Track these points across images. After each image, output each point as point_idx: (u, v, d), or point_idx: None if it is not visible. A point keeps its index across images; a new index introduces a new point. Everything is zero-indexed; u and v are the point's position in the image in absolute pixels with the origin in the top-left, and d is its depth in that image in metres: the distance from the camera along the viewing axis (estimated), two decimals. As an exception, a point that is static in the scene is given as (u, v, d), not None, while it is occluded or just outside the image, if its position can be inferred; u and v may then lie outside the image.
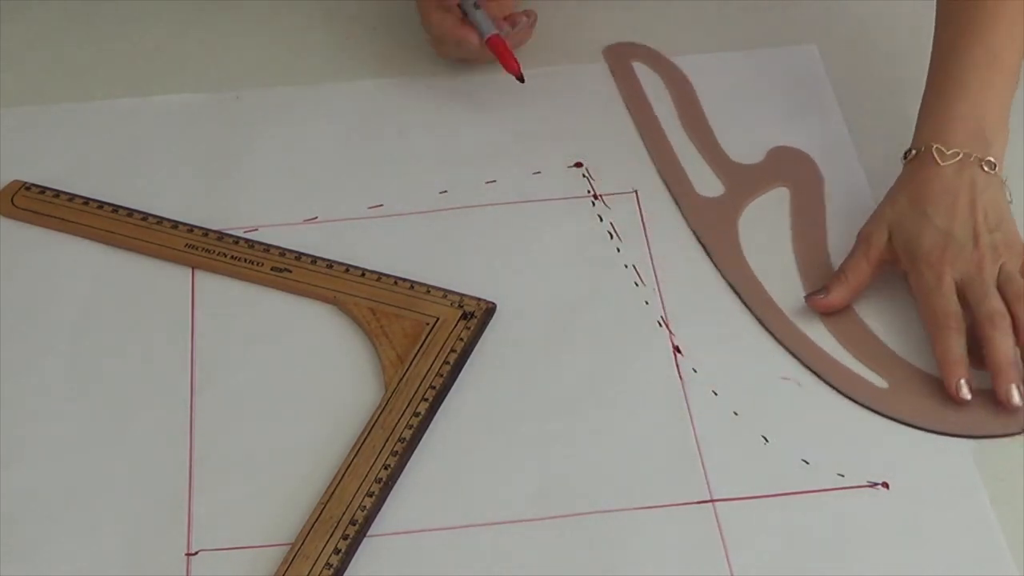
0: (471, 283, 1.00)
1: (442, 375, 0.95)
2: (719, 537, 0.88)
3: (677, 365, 0.96)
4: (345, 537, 0.88)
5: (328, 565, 0.86)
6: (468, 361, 0.97)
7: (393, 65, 1.15)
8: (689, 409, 0.94)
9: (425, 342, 0.97)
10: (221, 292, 1.01)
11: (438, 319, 0.98)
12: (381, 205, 1.06)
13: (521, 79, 1.08)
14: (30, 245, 1.04)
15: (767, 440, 0.93)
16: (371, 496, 0.89)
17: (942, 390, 0.94)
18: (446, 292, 1.00)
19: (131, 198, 1.06)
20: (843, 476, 0.91)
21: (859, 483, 0.90)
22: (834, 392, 0.95)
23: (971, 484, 0.90)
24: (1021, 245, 0.98)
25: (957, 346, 0.94)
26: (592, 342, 0.98)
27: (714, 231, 1.04)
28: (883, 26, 1.18)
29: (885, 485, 0.90)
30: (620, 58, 1.16)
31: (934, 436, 0.92)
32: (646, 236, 1.04)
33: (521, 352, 0.97)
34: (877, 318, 0.99)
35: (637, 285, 1.01)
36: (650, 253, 1.03)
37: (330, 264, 1.02)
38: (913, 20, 1.15)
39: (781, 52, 1.16)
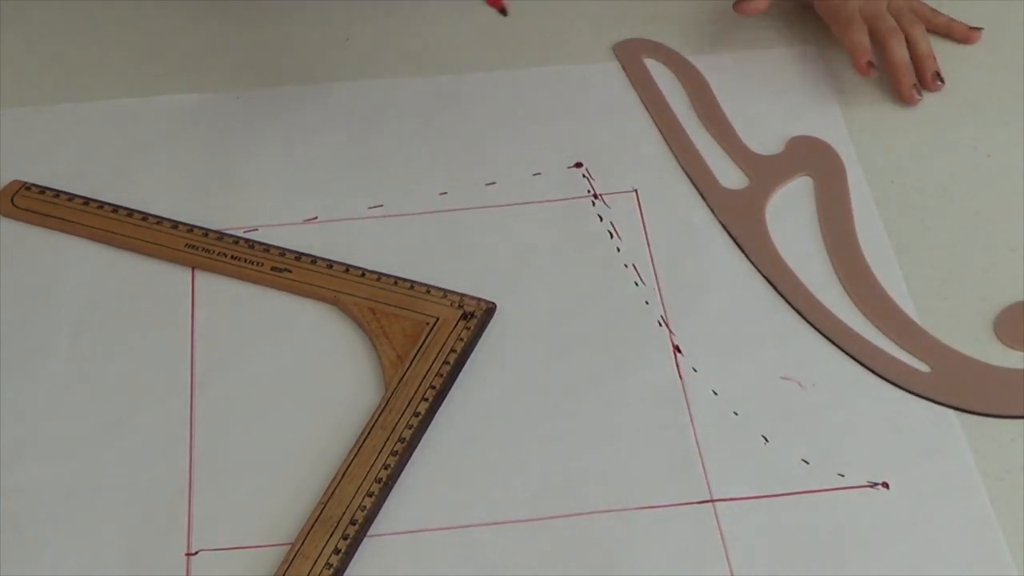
0: (471, 283, 1.00)
1: (442, 375, 0.95)
2: (719, 537, 0.88)
3: (677, 365, 0.96)
4: (345, 537, 0.87)
5: (328, 565, 0.86)
6: (468, 361, 0.97)
7: (393, 65, 1.15)
8: (689, 409, 0.94)
9: (425, 342, 0.97)
10: (221, 292, 1.01)
11: (438, 319, 0.98)
12: (381, 205, 1.06)
13: (504, 12, 1.07)
14: (30, 245, 1.04)
15: (767, 440, 0.92)
16: (371, 496, 0.89)
17: (985, 373, 0.95)
18: (446, 292, 1.00)
19: (131, 198, 1.06)
20: (843, 476, 0.90)
21: (859, 483, 0.90)
22: (833, 392, 0.95)
23: (971, 484, 0.90)
24: None
25: (863, 37, 1.12)
26: (592, 342, 0.98)
27: (742, 224, 1.04)
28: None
29: (885, 485, 0.90)
30: (631, 54, 1.16)
31: (933, 436, 0.92)
32: (646, 236, 1.04)
33: (521, 352, 0.97)
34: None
35: (637, 285, 1.01)
36: (650, 253, 1.03)
37: (330, 264, 1.02)
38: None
39: (782, 53, 1.16)
